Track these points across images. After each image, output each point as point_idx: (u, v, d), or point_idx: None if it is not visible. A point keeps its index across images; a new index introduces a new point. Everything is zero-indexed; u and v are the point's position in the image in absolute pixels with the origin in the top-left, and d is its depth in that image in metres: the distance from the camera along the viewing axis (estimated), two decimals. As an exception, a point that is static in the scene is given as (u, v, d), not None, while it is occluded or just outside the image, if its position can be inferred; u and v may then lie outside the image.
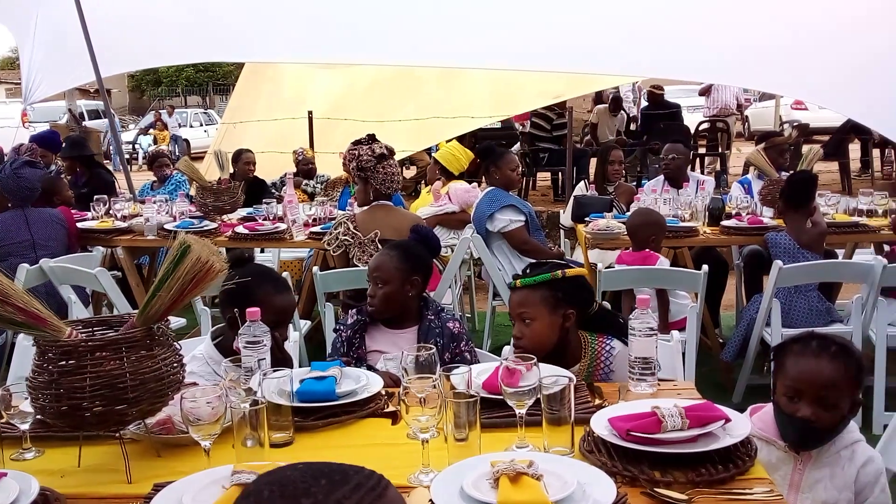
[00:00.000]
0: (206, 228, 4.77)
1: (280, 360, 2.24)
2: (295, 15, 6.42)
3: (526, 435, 1.80)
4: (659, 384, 2.14)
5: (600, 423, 1.79)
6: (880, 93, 5.58)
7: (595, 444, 1.75)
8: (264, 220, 4.99)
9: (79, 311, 3.94)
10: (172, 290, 1.76)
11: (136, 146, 19.66)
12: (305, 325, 4.35)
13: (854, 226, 4.60)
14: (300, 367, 2.47)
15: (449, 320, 2.65)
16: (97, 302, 4.96)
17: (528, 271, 2.40)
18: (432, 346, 2.03)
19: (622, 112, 11.06)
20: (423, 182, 8.86)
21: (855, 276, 4.09)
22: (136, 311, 1.80)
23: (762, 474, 1.67)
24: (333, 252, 4.02)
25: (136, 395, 1.70)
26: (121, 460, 1.75)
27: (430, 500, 1.53)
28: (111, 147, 14.62)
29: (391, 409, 2.06)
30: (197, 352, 2.42)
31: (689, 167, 6.55)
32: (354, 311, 2.73)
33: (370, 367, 2.52)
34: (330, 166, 7.07)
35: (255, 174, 6.69)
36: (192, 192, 5.70)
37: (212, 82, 30.58)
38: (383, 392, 2.14)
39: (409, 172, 10.70)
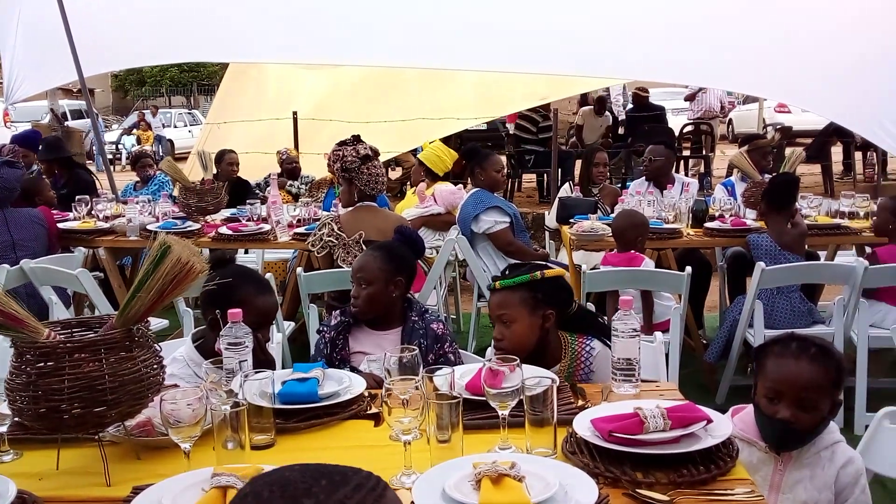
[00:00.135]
0: (189, 229, 4.74)
1: (263, 361, 2.23)
2: (280, 15, 6.40)
3: (509, 436, 1.80)
4: (641, 385, 2.15)
5: (583, 425, 1.79)
6: (863, 96, 5.65)
7: (577, 446, 1.76)
8: (248, 220, 4.95)
9: (60, 312, 3.91)
10: (152, 292, 1.75)
11: (120, 146, 19.49)
12: (289, 326, 4.33)
13: (836, 228, 4.63)
14: (284, 368, 2.46)
15: (433, 321, 2.65)
16: (79, 303, 4.92)
17: (506, 273, 2.40)
18: (416, 347, 2.03)
19: (607, 113, 11.08)
20: (408, 183, 8.86)
21: (837, 278, 4.12)
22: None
23: (743, 475, 1.68)
24: (318, 253, 4.00)
25: (115, 397, 1.69)
26: (100, 463, 1.73)
27: (412, 502, 1.53)
28: (94, 147, 14.50)
29: (374, 410, 2.05)
30: (178, 354, 2.40)
31: (674, 169, 6.58)
32: (338, 312, 2.72)
33: (353, 369, 2.52)
34: (314, 167, 7.06)
35: (238, 175, 6.64)
36: (176, 192, 5.66)
37: (196, 82, 30.43)
38: (366, 394, 2.13)
39: (395, 173, 10.69)
